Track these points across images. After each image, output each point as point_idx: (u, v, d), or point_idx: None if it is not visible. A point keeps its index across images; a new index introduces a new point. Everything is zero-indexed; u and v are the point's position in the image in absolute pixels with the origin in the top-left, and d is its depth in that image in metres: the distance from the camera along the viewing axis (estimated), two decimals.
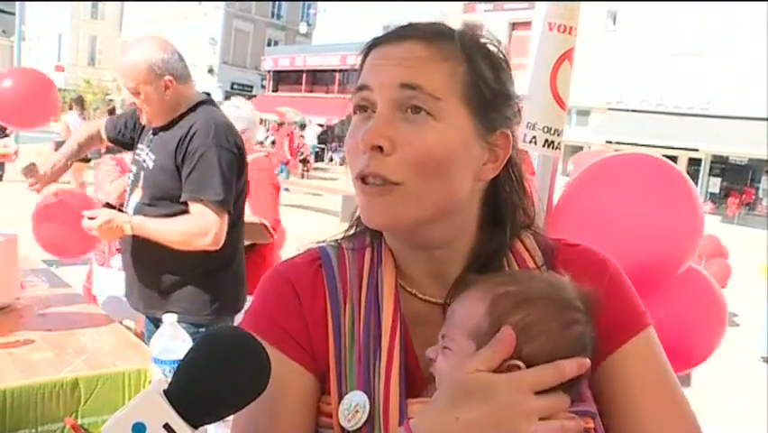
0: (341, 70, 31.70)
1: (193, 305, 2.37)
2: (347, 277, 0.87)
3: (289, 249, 4.72)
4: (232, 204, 2.30)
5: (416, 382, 0.81)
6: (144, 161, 2.38)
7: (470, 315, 0.76)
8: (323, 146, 28.30)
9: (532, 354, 0.72)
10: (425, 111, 0.77)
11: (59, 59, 45.06)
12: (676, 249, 1.83)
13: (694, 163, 23.96)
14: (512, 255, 0.87)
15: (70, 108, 12.38)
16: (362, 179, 0.79)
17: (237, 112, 3.15)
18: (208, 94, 2.58)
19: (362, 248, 0.89)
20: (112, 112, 12.97)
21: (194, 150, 2.24)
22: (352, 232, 0.93)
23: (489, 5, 26.33)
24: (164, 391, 0.61)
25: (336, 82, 32.17)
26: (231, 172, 2.29)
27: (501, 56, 0.84)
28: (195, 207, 2.24)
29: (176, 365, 1.66)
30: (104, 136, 2.68)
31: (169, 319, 1.66)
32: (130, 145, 2.62)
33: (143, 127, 2.48)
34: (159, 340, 1.67)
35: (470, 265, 0.85)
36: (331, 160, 29.43)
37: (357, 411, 0.77)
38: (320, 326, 0.84)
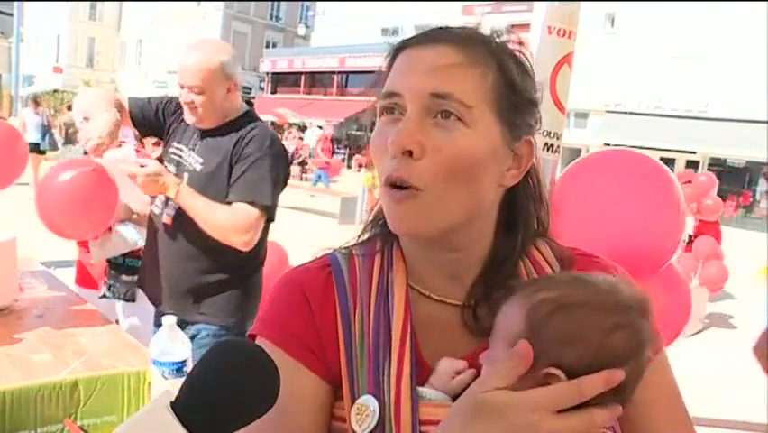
0: (339, 72, 31.71)
1: (226, 307, 2.37)
2: (357, 283, 0.87)
3: (289, 250, 4.72)
4: (274, 213, 2.32)
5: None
6: (188, 163, 2.36)
7: (508, 324, 0.75)
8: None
9: (573, 362, 0.70)
10: (455, 116, 0.77)
11: (57, 60, 45.00)
12: (660, 244, 1.88)
13: (692, 166, 23.97)
14: (529, 262, 0.87)
15: (69, 109, 12.35)
16: (390, 184, 0.79)
17: None
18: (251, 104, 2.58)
19: (372, 254, 0.89)
20: None
21: (249, 154, 2.25)
22: (365, 237, 0.93)
23: (488, 7, 26.35)
24: (171, 403, 0.60)
25: (335, 84, 32.17)
26: (279, 182, 2.30)
27: (527, 62, 0.84)
28: (242, 206, 2.23)
29: (175, 367, 1.67)
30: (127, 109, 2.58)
31: (169, 321, 1.67)
32: (147, 131, 2.62)
33: (179, 125, 2.45)
34: (158, 342, 1.68)
35: (486, 269, 0.86)
36: None
37: (367, 415, 0.77)
38: (330, 331, 0.84)
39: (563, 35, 1.76)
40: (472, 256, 0.85)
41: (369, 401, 0.77)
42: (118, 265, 2.94)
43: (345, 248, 0.93)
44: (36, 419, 1.45)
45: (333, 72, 31.92)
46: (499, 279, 0.84)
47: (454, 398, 0.76)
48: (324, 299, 0.86)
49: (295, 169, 20.72)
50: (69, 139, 13.53)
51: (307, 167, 21.53)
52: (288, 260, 4.41)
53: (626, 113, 24.49)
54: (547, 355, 0.70)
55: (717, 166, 24.18)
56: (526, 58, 0.84)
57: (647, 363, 0.74)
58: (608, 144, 21.06)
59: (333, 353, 0.83)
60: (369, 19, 33.89)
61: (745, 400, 4.86)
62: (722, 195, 9.24)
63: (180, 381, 1.68)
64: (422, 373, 0.80)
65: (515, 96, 0.80)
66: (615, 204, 1.83)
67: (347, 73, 31.65)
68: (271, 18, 41.37)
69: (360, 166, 24.99)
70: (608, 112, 24.93)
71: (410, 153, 0.76)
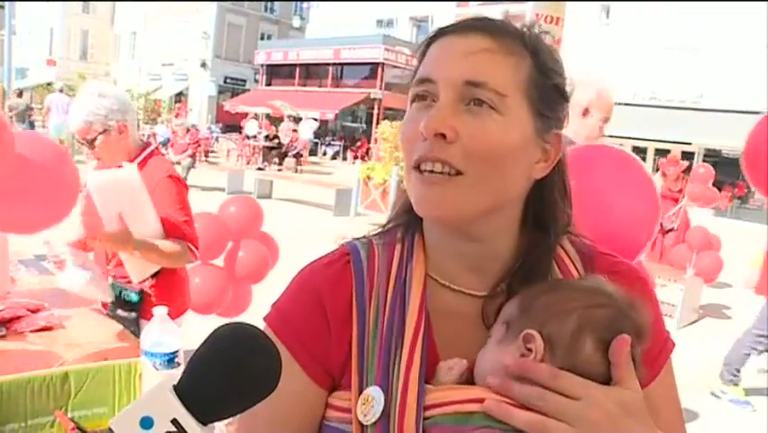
0: (334, 64, 31.62)
1: None
2: (375, 271, 0.87)
3: (282, 243, 4.71)
4: None
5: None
6: None
7: (505, 310, 0.80)
8: (316, 140, 28.25)
9: (555, 330, 0.74)
10: (487, 105, 0.77)
11: (50, 53, 44.78)
12: (635, 234, 1.93)
13: (687, 157, 23.98)
14: (554, 260, 0.87)
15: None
16: (419, 167, 0.79)
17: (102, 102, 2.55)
18: None
19: (393, 242, 0.90)
20: None
21: None
22: (388, 227, 0.93)
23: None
24: (174, 386, 0.60)
25: (330, 76, 32.08)
26: None
27: (558, 57, 0.84)
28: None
29: (166, 358, 1.66)
30: None
31: (160, 312, 1.66)
32: None
33: None
34: (150, 333, 1.67)
35: (513, 265, 0.86)
36: (324, 154, 29.39)
37: (372, 406, 0.77)
38: (343, 324, 0.84)
39: (551, 21, 1.76)
40: (495, 248, 0.85)
41: (374, 392, 0.78)
42: (115, 297, 2.61)
43: (365, 237, 0.94)
44: (26, 412, 1.44)
45: (328, 64, 31.82)
46: (525, 274, 0.84)
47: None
48: (339, 291, 0.86)
49: (289, 161, 20.70)
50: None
51: (302, 159, 21.51)
52: (262, 216, 4.41)
53: (620, 104, 24.21)
54: (531, 326, 0.75)
55: (712, 157, 24.21)
56: (556, 50, 0.84)
57: (638, 353, 0.76)
58: (603, 135, 21.06)
59: (341, 348, 0.84)
60: (363, 11, 33.79)
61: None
62: (717, 185, 9.27)
63: (172, 372, 1.68)
64: (431, 364, 0.80)
65: (547, 88, 0.81)
66: (591, 196, 1.87)
67: (342, 65, 31.58)
68: (266, 10, 41.20)
69: (355, 158, 24.97)
70: None
71: (443, 137, 0.76)
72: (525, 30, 0.83)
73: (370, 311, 0.84)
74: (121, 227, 2.27)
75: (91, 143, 2.49)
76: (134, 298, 2.56)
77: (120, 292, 2.55)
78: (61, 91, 17.87)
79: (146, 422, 0.59)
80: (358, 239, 0.94)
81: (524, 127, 0.79)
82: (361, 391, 0.79)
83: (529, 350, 0.75)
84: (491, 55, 0.78)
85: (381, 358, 0.80)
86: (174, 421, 0.59)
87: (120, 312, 2.59)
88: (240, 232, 4.26)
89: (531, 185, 0.85)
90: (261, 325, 0.87)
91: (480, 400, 0.72)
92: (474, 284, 0.86)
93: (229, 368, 0.60)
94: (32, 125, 17.81)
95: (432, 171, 0.78)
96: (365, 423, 0.77)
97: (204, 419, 0.60)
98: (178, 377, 0.61)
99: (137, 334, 2.33)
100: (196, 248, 2.51)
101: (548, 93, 0.81)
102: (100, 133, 2.48)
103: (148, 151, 2.63)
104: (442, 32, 0.83)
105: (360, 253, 0.89)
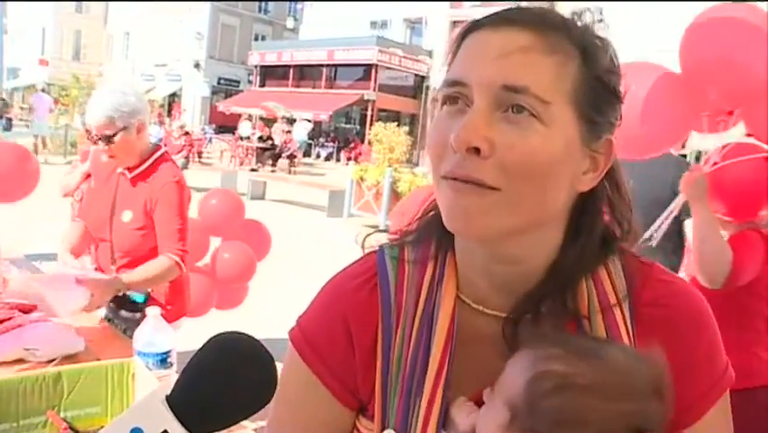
0: (328, 65, 31.60)
1: None
2: (403, 295, 0.81)
3: (276, 244, 4.71)
4: None
5: None
6: None
7: (511, 382, 0.72)
8: (310, 142, 28.23)
9: None
10: (528, 112, 0.68)
11: (42, 53, 44.61)
12: None
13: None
14: (592, 282, 0.77)
15: (55, 104, 12.44)
16: (453, 178, 0.70)
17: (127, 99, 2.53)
18: None
19: (425, 260, 0.82)
20: None
21: None
22: (416, 235, 0.86)
23: (477, 1, 26.34)
24: (167, 396, 0.59)
25: (323, 77, 32.06)
26: None
27: (612, 49, 0.75)
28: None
29: (159, 358, 1.66)
30: None
31: (153, 312, 1.66)
32: None
33: None
34: (142, 333, 1.67)
35: (543, 283, 0.77)
36: (318, 156, 29.37)
37: None
38: (370, 351, 0.81)
39: None
40: (534, 268, 0.77)
41: None
42: (118, 298, 2.55)
43: (397, 245, 0.86)
44: (19, 412, 1.44)
45: (322, 65, 31.80)
46: (551, 290, 0.76)
47: None
48: (366, 320, 0.82)
49: (283, 162, 20.68)
50: None
51: (296, 160, 21.50)
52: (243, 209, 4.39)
53: None
54: (540, 429, 0.69)
55: None
56: (610, 44, 0.75)
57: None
58: None
59: (368, 377, 0.81)
60: (357, 12, 33.78)
61: None
62: None
63: (164, 372, 1.69)
64: (452, 398, 0.78)
65: (598, 90, 0.72)
66: None
67: (336, 66, 31.56)
68: (260, 11, 41.17)
69: (348, 159, 24.97)
70: None
71: (476, 151, 0.67)
72: (572, 21, 0.73)
73: (395, 345, 0.79)
74: (95, 292, 2.30)
75: (109, 139, 2.45)
76: (140, 298, 2.57)
77: (125, 293, 2.56)
78: (43, 91, 18.30)
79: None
80: (389, 247, 0.86)
81: (569, 136, 0.70)
82: (383, 429, 0.78)
83: None
84: (533, 54, 0.68)
85: (402, 401, 0.76)
86: None
87: (123, 313, 2.59)
88: (221, 227, 4.21)
89: (576, 196, 0.75)
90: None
91: None
92: (506, 305, 0.78)
93: (222, 380, 0.60)
94: (9, 123, 18.63)
95: (466, 182, 0.69)
96: None
97: (196, 431, 0.59)
98: (171, 387, 0.60)
99: None
100: (184, 260, 2.50)
101: (599, 95, 0.72)
102: (120, 130, 2.45)
103: (158, 154, 2.61)
104: (476, 26, 0.73)
105: (389, 274, 0.83)
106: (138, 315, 2.55)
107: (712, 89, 2.12)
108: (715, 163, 2.27)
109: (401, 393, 0.77)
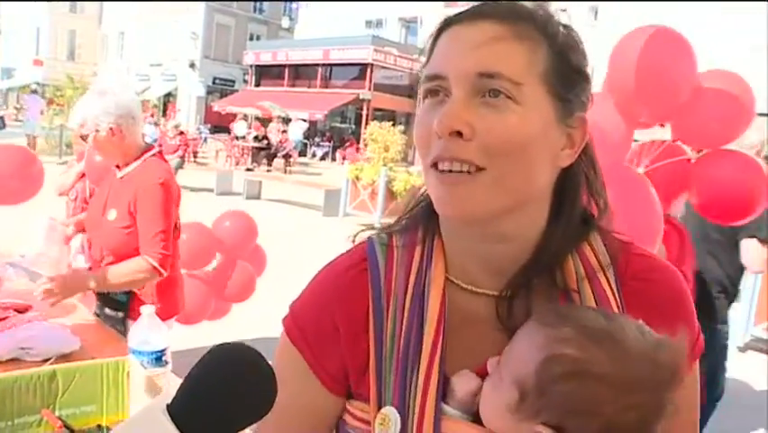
0: (323, 65, 31.57)
1: None
2: (393, 277, 0.84)
3: (271, 244, 4.71)
4: None
5: None
6: None
7: (522, 361, 0.71)
8: (305, 141, 28.21)
9: (571, 429, 0.68)
10: (504, 95, 0.72)
11: (37, 53, 44.46)
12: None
13: None
14: (578, 257, 0.81)
15: (50, 104, 12.45)
16: (437, 166, 0.75)
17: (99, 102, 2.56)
18: None
19: (413, 244, 0.85)
20: None
21: None
22: (404, 223, 0.89)
23: (471, 0, 26.32)
24: (167, 405, 0.59)
25: (319, 77, 32.04)
26: None
27: (576, 34, 0.80)
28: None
29: (154, 357, 1.66)
30: None
31: (147, 311, 1.66)
32: None
33: None
34: (137, 331, 1.67)
35: (531, 261, 0.80)
36: (313, 155, 29.35)
37: (389, 427, 0.76)
38: (358, 334, 0.82)
39: None
40: (520, 247, 0.80)
41: (391, 413, 0.77)
42: (102, 295, 2.62)
43: (386, 233, 0.89)
44: (14, 410, 1.44)
45: (317, 65, 31.77)
46: (541, 267, 0.79)
47: (474, 414, 0.76)
48: (354, 302, 0.84)
49: (278, 162, 20.66)
50: None
51: (291, 160, 21.47)
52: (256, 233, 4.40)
53: None
54: (549, 414, 0.68)
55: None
56: (573, 31, 0.80)
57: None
58: None
59: (355, 360, 0.82)
60: (352, 11, 33.77)
61: (726, 390, 4.91)
62: None
63: (159, 370, 1.69)
64: (448, 379, 0.78)
65: (566, 70, 0.77)
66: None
67: (331, 66, 31.54)
68: (255, 10, 41.11)
69: (344, 159, 24.95)
70: None
71: (459, 134, 0.72)
72: (538, 11, 0.78)
73: (387, 324, 0.81)
74: (57, 284, 2.33)
75: (84, 140, 2.56)
76: (122, 298, 2.56)
77: (108, 291, 2.55)
78: (34, 92, 18.74)
79: None
80: (379, 232, 0.90)
81: (544, 114, 0.75)
82: (379, 408, 0.78)
83: None
84: (503, 43, 0.73)
85: (398, 378, 0.78)
86: None
87: (107, 311, 2.59)
88: (234, 248, 4.23)
89: (557, 174, 0.80)
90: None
91: None
92: (496, 285, 0.81)
93: (222, 391, 0.59)
94: (2, 122, 19.37)
95: (450, 171, 0.74)
96: None
97: None
98: (172, 396, 0.60)
99: (124, 333, 2.33)
100: (163, 263, 2.47)
101: (568, 75, 0.77)
102: (92, 132, 2.52)
103: (149, 154, 2.62)
104: (449, 23, 0.78)
105: (378, 258, 0.85)
106: (120, 313, 2.57)
107: (643, 110, 2.28)
108: (647, 166, 2.53)
109: (396, 371, 0.78)
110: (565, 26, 0.79)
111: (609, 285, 0.80)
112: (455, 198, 0.74)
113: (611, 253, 0.83)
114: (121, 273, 2.46)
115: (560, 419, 0.68)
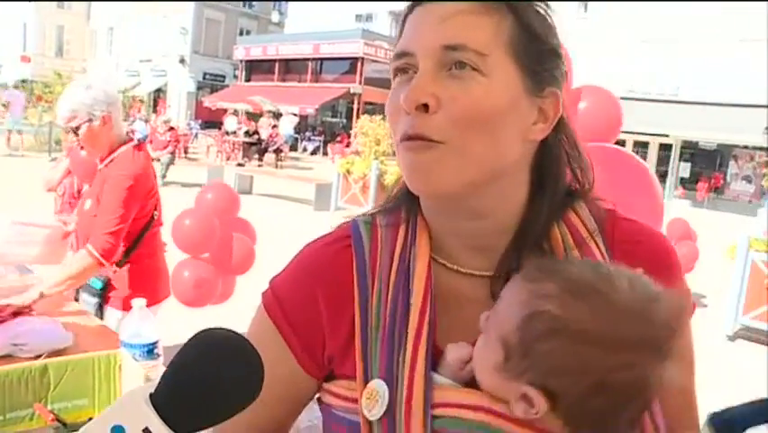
0: (314, 59, 31.50)
1: None
2: (377, 254, 0.83)
3: (263, 238, 4.71)
4: None
5: None
6: None
7: (506, 318, 0.69)
8: (296, 136, 28.14)
9: (562, 390, 0.65)
10: (470, 66, 0.72)
11: (24, 49, 44.09)
12: None
13: (665, 149, 24.30)
14: (564, 225, 0.82)
15: (38, 101, 12.40)
16: (405, 139, 0.75)
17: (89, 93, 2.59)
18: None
19: (397, 224, 0.85)
20: None
21: None
22: (389, 206, 0.88)
23: None
24: (150, 394, 0.58)
25: (309, 71, 31.96)
26: None
27: (545, 12, 0.79)
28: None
29: (145, 349, 1.67)
30: None
31: (138, 304, 1.67)
32: None
33: None
34: (128, 324, 1.67)
35: (517, 237, 0.80)
36: (304, 150, 29.30)
37: (377, 401, 0.74)
38: (342, 309, 0.82)
39: None
40: (501, 222, 0.80)
41: (379, 386, 0.75)
42: None
43: (369, 215, 0.89)
44: (5, 405, 1.44)
45: (308, 59, 31.70)
46: (530, 244, 0.79)
47: (465, 384, 0.74)
48: (337, 277, 0.83)
49: (269, 156, 20.62)
50: None
51: (282, 154, 21.43)
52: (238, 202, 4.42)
53: None
54: (534, 374, 0.66)
55: (690, 149, 24.51)
56: (544, 8, 0.79)
57: (653, 397, 0.69)
58: None
59: (338, 336, 0.81)
60: (342, 6, 33.68)
61: (716, 378, 4.97)
62: (695, 177, 9.40)
63: (151, 362, 1.69)
64: (437, 353, 0.77)
65: (534, 44, 0.76)
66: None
67: (321, 60, 31.47)
68: (244, 5, 40.91)
69: (334, 154, 24.91)
70: None
71: (425, 108, 0.72)
72: None
73: (373, 298, 0.80)
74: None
75: (75, 132, 2.56)
76: (98, 285, 2.62)
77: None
78: (16, 87, 18.97)
79: (117, 431, 0.57)
80: (362, 215, 0.90)
81: (511, 86, 0.74)
82: (366, 383, 0.77)
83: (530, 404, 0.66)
84: (468, 15, 0.73)
85: (385, 349, 0.77)
86: (146, 430, 0.56)
87: (85, 296, 2.65)
88: (221, 221, 4.27)
89: (534, 149, 0.80)
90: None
91: (481, 408, 0.70)
92: (482, 264, 0.81)
93: (206, 378, 0.58)
94: None
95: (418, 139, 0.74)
96: (370, 418, 0.74)
97: (180, 429, 0.57)
98: (155, 385, 0.59)
99: (100, 318, 2.48)
100: (106, 254, 2.45)
101: (536, 48, 0.76)
102: (84, 122, 2.54)
103: (128, 145, 2.65)
104: (417, 2, 0.78)
105: (362, 235, 0.85)
106: (96, 300, 2.63)
107: None
108: None
109: (383, 345, 0.77)
110: (535, 4, 0.79)
111: (600, 251, 0.81)
112: (420, 170, 0.74)
113: (597, 219, 0.83)
114: (68, 271, 2.46)
115: (545, 379, 0.65)
